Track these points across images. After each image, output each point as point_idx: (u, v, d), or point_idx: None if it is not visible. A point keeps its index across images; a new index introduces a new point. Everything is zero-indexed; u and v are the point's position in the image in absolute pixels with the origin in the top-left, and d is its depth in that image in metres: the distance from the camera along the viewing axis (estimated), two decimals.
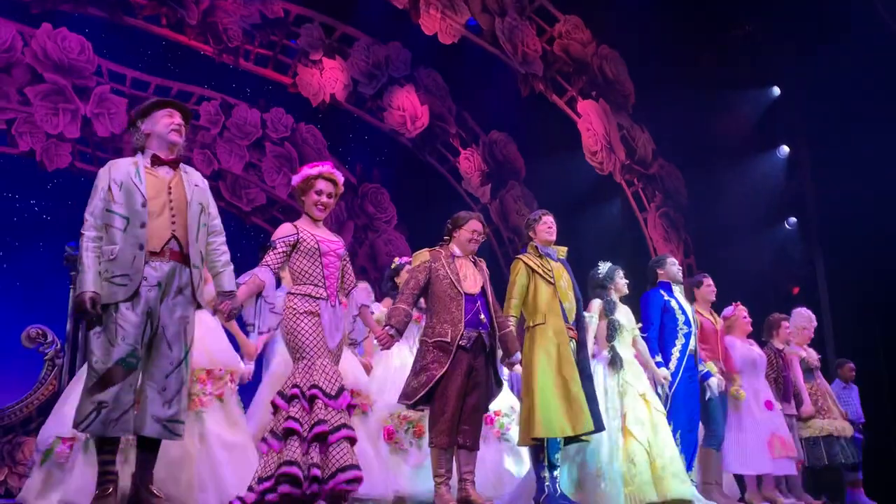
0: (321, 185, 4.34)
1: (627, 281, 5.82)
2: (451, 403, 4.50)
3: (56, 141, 11.22)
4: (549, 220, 5.18)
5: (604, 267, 5.78)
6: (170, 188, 3.83)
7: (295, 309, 4.14)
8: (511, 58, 11.66)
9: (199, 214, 3.87)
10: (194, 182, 3.94)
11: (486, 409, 4.91)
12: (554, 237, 5.17)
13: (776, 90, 11.44)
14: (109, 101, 11.45)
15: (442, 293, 4.65)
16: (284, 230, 4.30)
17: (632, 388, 5.39)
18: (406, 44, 12.23)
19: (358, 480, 3.92)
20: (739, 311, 6.70)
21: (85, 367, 4.51)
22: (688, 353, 5.85)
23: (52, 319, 8.31)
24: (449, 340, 4.54)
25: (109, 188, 3.75)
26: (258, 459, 4.11)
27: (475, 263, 4.87)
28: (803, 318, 7.36)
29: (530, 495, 4.92)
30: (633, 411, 5.24)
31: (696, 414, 5.85)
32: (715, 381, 5.95)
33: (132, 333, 3.62)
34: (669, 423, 5.48)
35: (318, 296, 4.16)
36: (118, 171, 3.80)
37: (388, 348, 4.67)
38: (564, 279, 5.06)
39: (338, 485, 3.84)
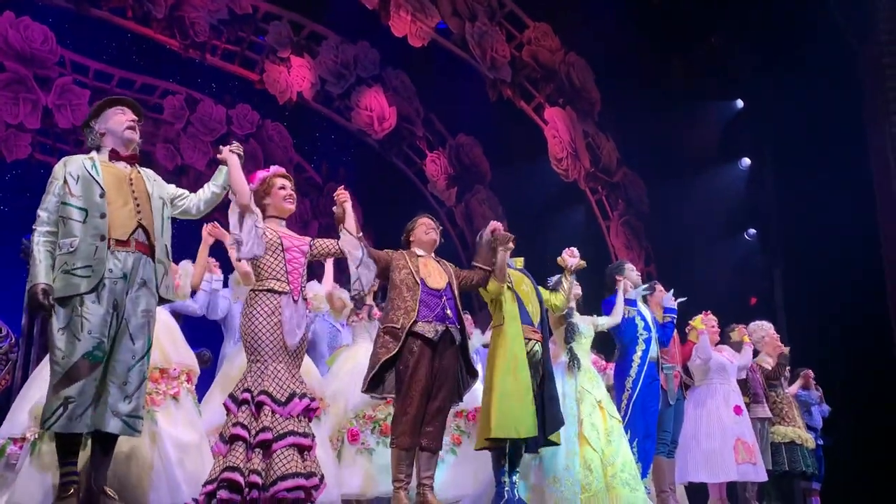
0: (281, 181, 4.35)
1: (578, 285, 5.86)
2: (415, 404, 4.47)
3: (15, 131, 11.05)
4: None
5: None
6: (131, 180, 3.80)
7: (255, 308, 4.10)
8: (480, 62, 11.68)
9: (161, 209, 3.84)
10: (152, 177, 3.93)
11: (449, 411, 4.88)
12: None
13: (739, 103, 11.60)
14: (72, 92, 11.30)
15: (400, 282, 4.65)
16: None
17: (589, 395, 5.43)
18: (375, 44, 12.21)
19: (302, 489, 3.84)
20: (708, 321, 6.76)
21: (38, 369, 4.44)
22: (648, 359, 5.89)
23: (8, 313, 8.14)
24: (399, 327, 4.52)
25: (65, 181, 3.68)
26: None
27: (439, 262, 4.87)
28: (763, 329, 7.47)
29: (489, 499, 4.93)
30: (589, 418, 5.29)
31: (654, 421, 5.88)
32: None
33: (98, 326, 3.55)
34: (627, 432, 5.52)
35: (280, 290, 4.11)
36: (73, 165, 3.75)
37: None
38: (526, 284, 5.14)
39: (278, 492, 3.79)
